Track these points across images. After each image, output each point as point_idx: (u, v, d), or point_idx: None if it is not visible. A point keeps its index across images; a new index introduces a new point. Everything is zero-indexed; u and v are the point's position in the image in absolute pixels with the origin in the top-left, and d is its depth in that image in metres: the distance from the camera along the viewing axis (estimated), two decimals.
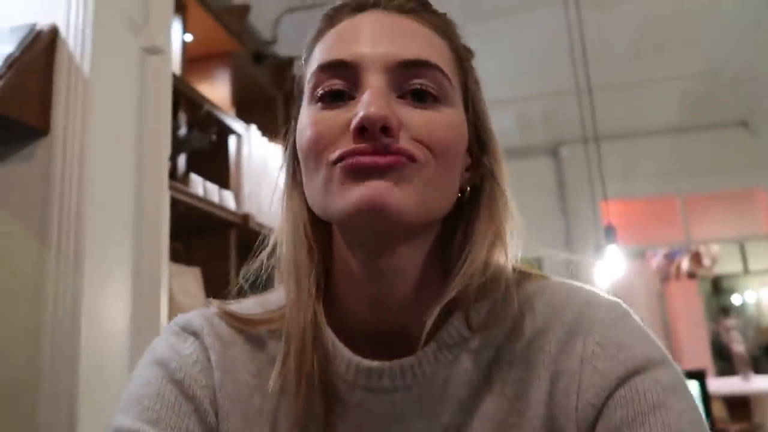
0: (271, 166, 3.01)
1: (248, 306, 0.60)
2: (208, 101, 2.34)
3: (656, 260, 6.81)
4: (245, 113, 2.76)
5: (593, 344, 0.52)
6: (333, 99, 0.50)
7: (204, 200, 2.26)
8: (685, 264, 6.75)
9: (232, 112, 2.63)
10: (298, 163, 0.56)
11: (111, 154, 1.28)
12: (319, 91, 0.51)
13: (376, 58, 0.50)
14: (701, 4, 3.61)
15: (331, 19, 0.55)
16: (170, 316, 1.57)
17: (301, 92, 0.56)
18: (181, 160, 2.23)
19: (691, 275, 6.82)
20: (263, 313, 0.58)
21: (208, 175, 2.36)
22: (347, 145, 0.48)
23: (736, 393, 4.34)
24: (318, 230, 0.55)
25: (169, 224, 1.42)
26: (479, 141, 0.56)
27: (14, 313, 1.16)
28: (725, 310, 6.92)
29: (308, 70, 0.54)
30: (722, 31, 3.91)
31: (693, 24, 3.83)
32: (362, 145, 0.47)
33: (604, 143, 3.41)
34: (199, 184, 2.27)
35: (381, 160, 0.47)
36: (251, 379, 0.55)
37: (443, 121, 0.50)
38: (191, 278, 2.23)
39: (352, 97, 0.50)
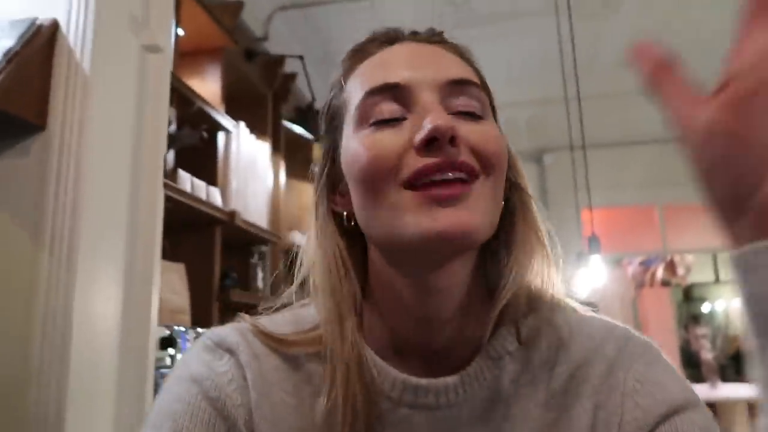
0: (259, 164, 3.00)
1: (281, 322, 0.60)
2: (199, 98, 2.33)
3: (632, 268, 6.92)
4: (234, 110, 2.75)
5: (633, 380, 0.55)
6: (385, 122, 0.52)
7: (191, 197, 2.24)
8: (659, 272, 6.87)
9: (221, 108, 2.61)
10: (333, 191, 0.58)
11: (108, 152, 1.27)
12: (372, 118, 0.52)
13: (427, 78, 0.52)
14: (688, 19, 3.67)
15: (360, 53, 0.58)
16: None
17: (335, 127, 0.58)
18: (170, 156, 2.22)
19: (665, 283, 6.94)
20: (298, 333, 0.58)
21: (195, 172, 2.34)
22: (415, 162, 0.49)
23: (703, 400, 4.41)
24: (354, 254, 0.57)
25: (162, 223, 1.41)
26: None
27: (5, 309, 1.15)
28: (695, 318, 7.06)
29: (350, 100, 0.55)
30: (707, 46, 3.98)
31: (680, 37, 3.89)
32: (433, 161, 0.48)
33: (587, 151, 3.46)
34: (187, 181, 2.26)
35: (456, 190, 0.48)
36: (288, 398, 0.55)
37: (493, 134, 0.53)
38: (176, 275, 2.22)
39: (404, 119, 0.52)
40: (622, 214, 5.23)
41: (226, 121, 2.60)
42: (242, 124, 2.82)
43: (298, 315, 0.60)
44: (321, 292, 0.56)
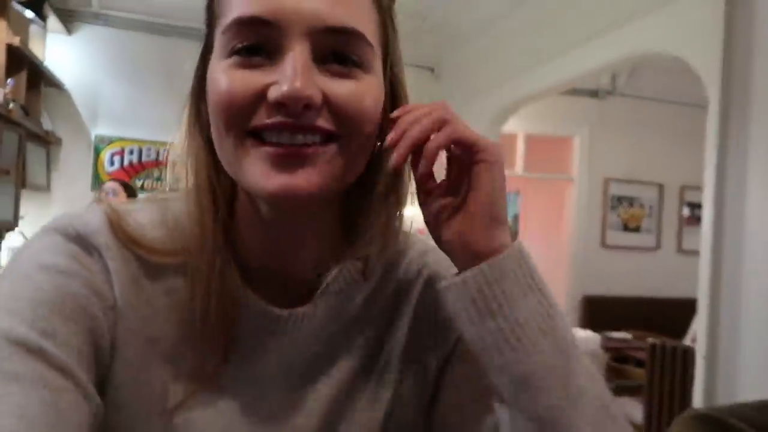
0: None
1: (148, 217, 0.55)
2: None
3: None
4: None
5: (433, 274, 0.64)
6: (249, 53, 0.47)
7: None
8: None
9: None
10: (205, 104, 0.52)
11: None
12: (236, 45, 0.48)
13: (302, 20, 0.46)
14: None
15: None
16: None
17: (211, 23, 0.52)
18: None
19: None
20: (166, 236, 0.54)
21: None
22: (262, 116, 0.47)
23: None
24: (221, 174, 0.54)
25: None
26: (393, 99, 0.56)
27: None
28: None
29: (224, 9, 0.49)
30: None
31: None
32: (280, 121, 0.46)
33: None
34: None
35: (299, 154, 0.47)
36: (146, 307, 0.52)
37: (364, 92, 0.49)
38: None
39: (270, 55, 0.47)
40: None
41: None
42: None
43: (166, 211, 0.56)
44: (188, 202, 0.53)
